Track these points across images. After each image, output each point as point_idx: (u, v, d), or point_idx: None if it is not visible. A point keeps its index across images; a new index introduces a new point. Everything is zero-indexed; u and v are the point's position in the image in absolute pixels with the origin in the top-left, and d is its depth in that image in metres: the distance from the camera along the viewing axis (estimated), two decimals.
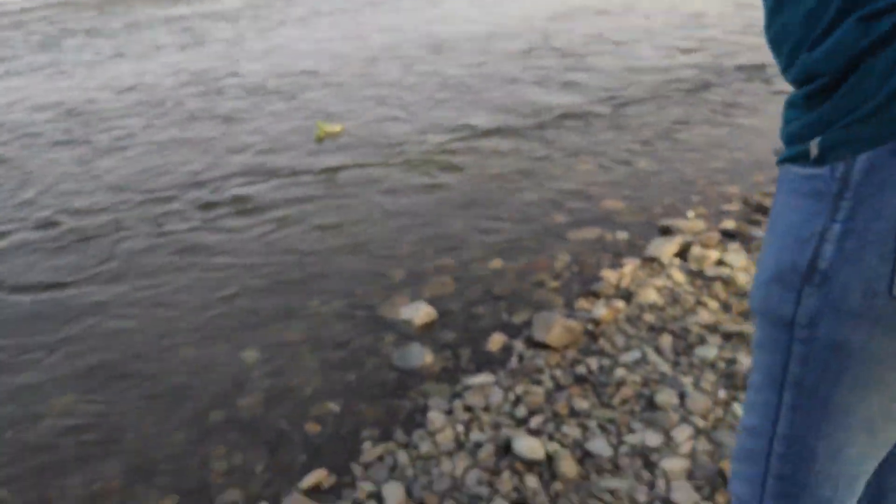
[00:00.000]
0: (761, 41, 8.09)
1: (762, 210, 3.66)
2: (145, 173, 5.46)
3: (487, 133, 5.61)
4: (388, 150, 5.49)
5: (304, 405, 2.73)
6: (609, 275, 3.27)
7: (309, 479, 2.31)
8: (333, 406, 2.70)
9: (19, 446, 2.67)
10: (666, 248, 3.38)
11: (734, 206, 3.89)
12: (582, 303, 3.11)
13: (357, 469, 2.34)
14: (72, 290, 3.79)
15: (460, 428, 2.43)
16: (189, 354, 3.19)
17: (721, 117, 5.61)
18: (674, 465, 2.09)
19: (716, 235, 3.46)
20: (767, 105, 5.81)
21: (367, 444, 2.47)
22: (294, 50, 9.97)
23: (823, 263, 0.83)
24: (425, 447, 2.34)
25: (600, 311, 2.93)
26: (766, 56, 7.32)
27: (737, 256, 3.21)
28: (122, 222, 4.58)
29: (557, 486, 2.08)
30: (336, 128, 5.30)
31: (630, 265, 3.35)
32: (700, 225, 3.64)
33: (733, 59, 7.32)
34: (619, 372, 2.54)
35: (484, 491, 2.09)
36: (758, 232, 3.43)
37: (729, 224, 3.62)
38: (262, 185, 5.00)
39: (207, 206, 4.75)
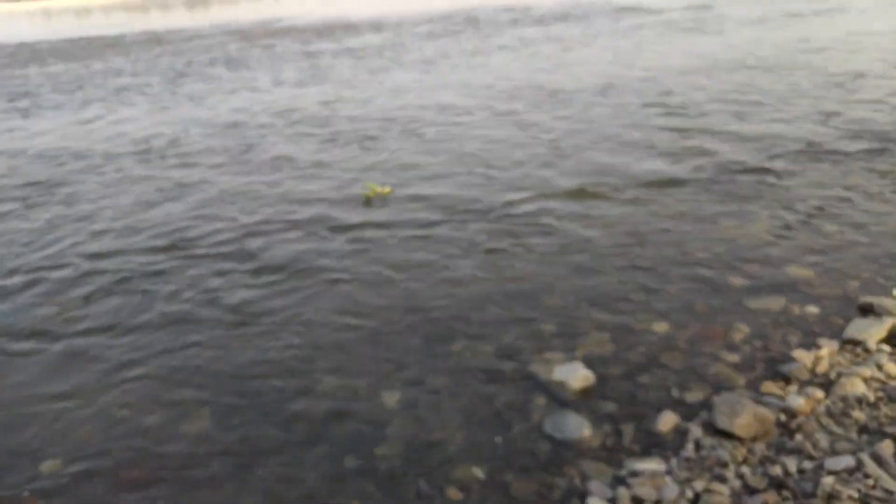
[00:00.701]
0: None
1: None
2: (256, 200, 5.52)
3: (650, 184, 5.23)
4: (535, 191, 5.24)
5: (446, 465, 2.48)
6: (802, 356, 2.80)
7: None
8: (478, 472, 2.43)
9: (153, 465, 2.59)
10: (872, 332, 2.87)
11: None
12: (769, 386, 2.67)
13: None
14: (207, 315, 3.79)
15: None
16: (329, 386, 3.04)
17: None
18: None
19: None
20: None
21: None
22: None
23: None
24: None
25: (797, 400, 2.48)
26: None
27: None
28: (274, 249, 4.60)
29: None
30: (385, 189, 5.31)
31: (827, 347, 2.86)
32: None
33: None
34: (828, 481, 2.09)
35: None
36: None
37: None
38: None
39: (341, 231, 4.69)
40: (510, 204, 5.01)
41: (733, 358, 2.92)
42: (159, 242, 4.74)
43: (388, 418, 2.78)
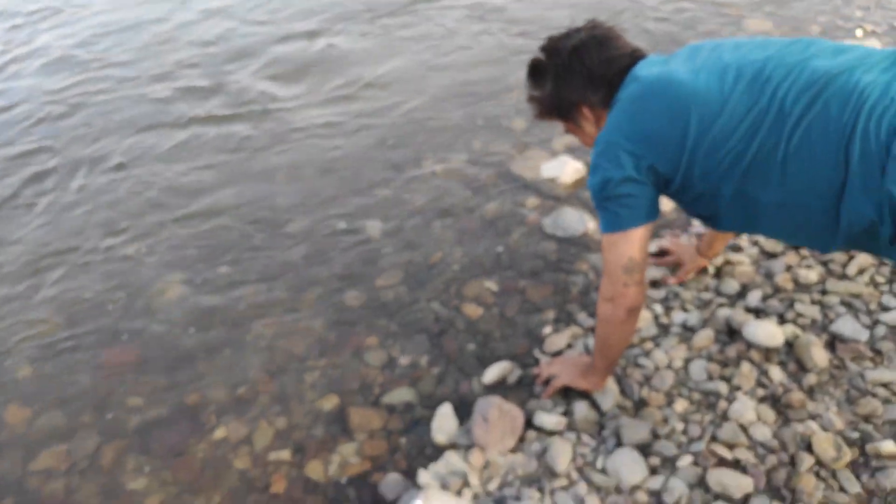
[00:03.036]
0: None
1: None
2: None
3: None
4: None
5: (454, 284, 2.37)
6: None
7: (492, 373, 1.99)
8: (490, 284, 2.34)
9: (148, 342, 2.37)
10: None
11: None
12: None
13: (544, 359, 2.01)
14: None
15: (657, 308, 2.06)
16: (302, 226, 2.80)
17: None
18: None
19: None
20: None
21: (546, 329, 2.12)
22: None
23: None
24: None
25: None
26: None
27: None
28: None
29: (810, 378, 1.73)
30: None
31: None
32: None
33: None
34: None
35: (720, 387, 1.75)
36: None
37: None
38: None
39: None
40: None
41: None
42: None
43: (377, 248, 2.61)
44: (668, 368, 1.85)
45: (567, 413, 1.81)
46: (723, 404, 1.72)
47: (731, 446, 1.62)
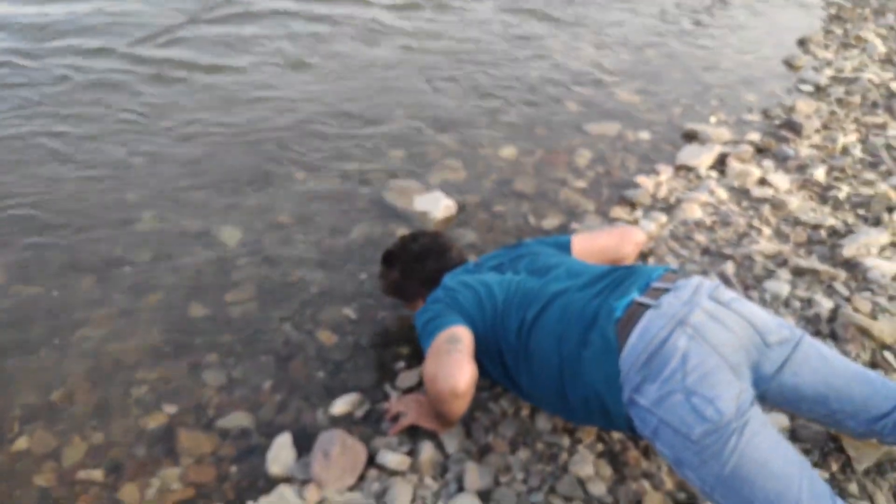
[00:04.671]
0: None
1: (790, 126, 3.40)
2: None
3: None
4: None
5: (310, 307, 2.27)
6: (645, 182, 2.92)
7: (340, 405, 1.91)
8: (348, 311, 2.26)
9: None
10: (702, 158, 3.06)
11: (755, 117, 3.61)
12: (618, 211, 2.77)
13: (395, 395, 1.95)
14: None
15: None
16: (150, 227, 2.58)
17: (733, 18, 5.22)
18: None
19: (749, 149, 3.17)
20: (784, 9, 5.47)
21: (400, 364, 2.07)
22: None
23: None
24: None
25: (648, 225, 2.60)
26: None
27: (780, 177, 2.95)
28: None
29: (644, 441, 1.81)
30: None
31: (664, 172, 3.01)
32: (725, 134, 3.34)
33: None
34: None
35: (563, 440, 1.79)
36: (789, 150, 3.18)
37: (754, 136, 3.34)
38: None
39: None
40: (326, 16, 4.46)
41: (580, 184, 2.96)
42: None
43: (230, 259, 2.45)
44: (514, 416, 1.86)
45: (412, 453, 1.76)
46: (564, 456, 1.75)
47: (568, 499, 1.65)
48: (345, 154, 3.08)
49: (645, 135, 3.36)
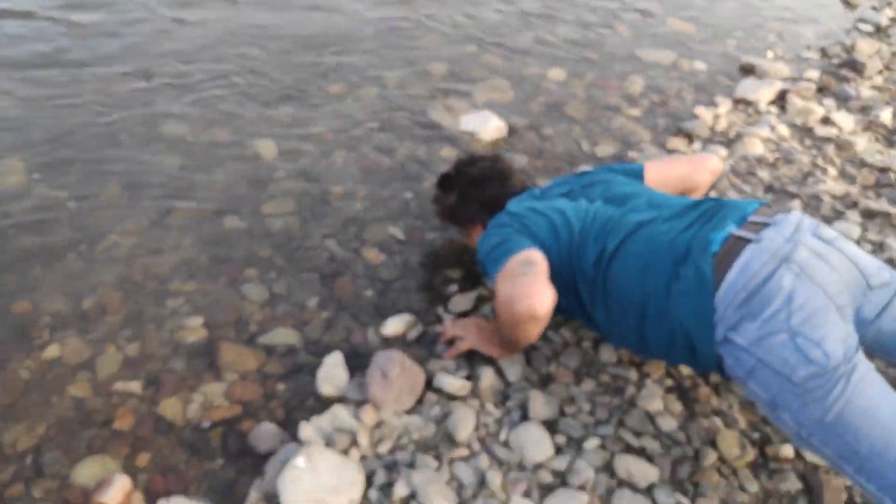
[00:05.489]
0: None
1: (851, 66, 3.21)
2: None
3: None
4: None
5: (355, 225, 2.14)
6: (703, 113, 2.75)
7: (392, 325, 1.80)
8: (395, 231, 2.13)
9: None
10: (762, 93, 2.89)
11: (812, 55, 3.40)
12: (674, 142, 2.61)
13: (448, 318, 1.84)
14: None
15: None
16: (177, 134, 2.42)
17: None
18: None
19: (811, 86, 2.99)
20: None
21: (452, 287, 1.95)
22: None
23: None
24: None
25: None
26: None
27: (843, 117, 2.78)
28: None
29: (715, 375, 1.71)
30: None
31: (723, 105, 2.84)
32: (783, 69, 3.15)
33: None
34: None
35: (630, 373, 1.69)
36: (851, 90, 3.00)
37: (813, 74, 3.16)
38: None
39: None
40: None
41: (634, 112, 2.79)
42: None
43: (267, 171, 2.31)
44: (576, 346, 1.76)
45: (471, 378, 1.66)
46: (631, 390, 1.65)
47: (637, 434, 1.55)
48: (383, 67, 2.89)
49: (700, 65, 3.17)
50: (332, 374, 1.64)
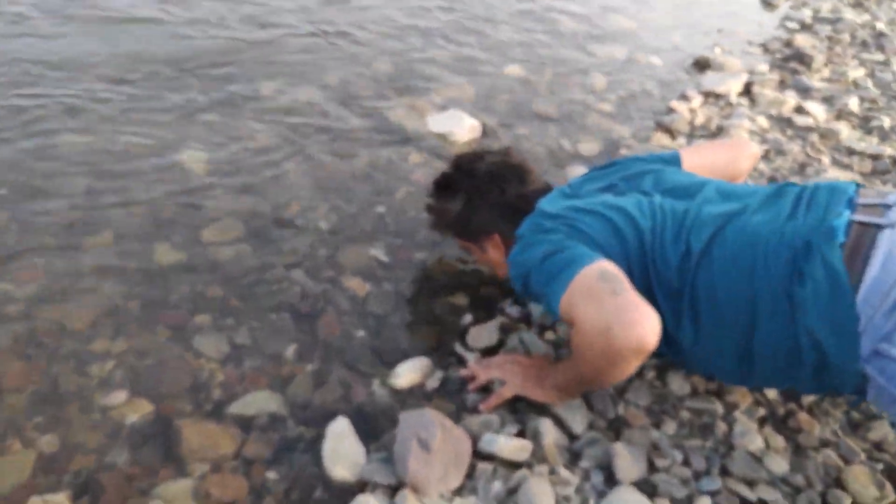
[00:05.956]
0: None
1: (798, 58, 3.13)
2: None
3: None
4: None
5: (324, 248, 1.70)
6: (680, 107, 2.53)
7: (406, 373, 1.38)
8: (376, 253, 1.71)
9: None
10: (730, 85, 2.72)
11: (755, 50, 3.32)
12: (659, 138, 2.36)
13: (472, 358, 1.45)
14: None
15: None
16: (79, 145, 1.89)
17: None
18: None
19: (775, 77, 2.87)
20: None
21: (466, 318, 1.56)
22: None
23: None
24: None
25: None
26: None
27: (815, 107, 2.66)
28: None
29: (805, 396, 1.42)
30: None
31: (695, 99, 2.64)
32: (737, 63, 3.02)
33: None
34: None
35: (714, 405, 1.36)
36: (806, 81, 2.90)
37: (763, 68, 3.05)
38: None
39: None
40: None
41: (606, 107, 2.53)
42: None
43: (200, 187, 1.82)
44: (638, 378, 1.41)
45: (523, 434, 1.27)
46: (721, 427, 1.32)
47: (750, 483, 1.22)
48: (319, 65, 2.46)
49: (656, 59, 2.97)
50: (343, 449, 1.20)
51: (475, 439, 1.23)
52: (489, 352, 1.46)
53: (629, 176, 1.43)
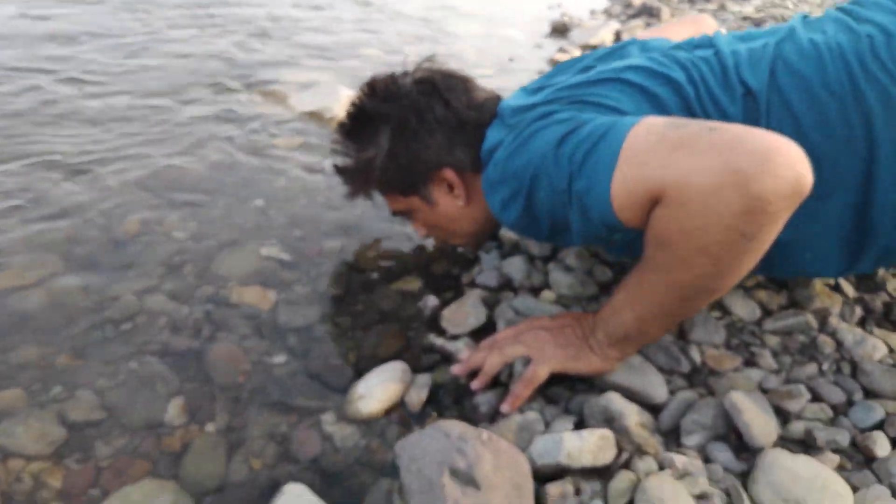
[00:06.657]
0: None
1: (648, 12, 3.04)
2: None
3: None
4: None
5: (188, 262, 1.15)
6: (564, 57, 2.27)
7: (376, 393, 0.87)
8: (270, 251, 1.19)
9: None
10: (602, 35, 2.58)
11: (598, 5, 3.20)
12: None
13: (462, 346, 0.96)
14: None
15: None
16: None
17: None
18: None
19: (640, 23, 2.75)
20: None
21: (430, 301, 1.08)
22: None
23: None
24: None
25: None
26: None
27: None
28: None
29: None
30: None
31: (576, 51, 2.39)
32: (589, 21, 2.86)
33: None
34: None
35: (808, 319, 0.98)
36: None
37: (616, 25, 2.91)
38: None
39: None
40: None
41: (487, 71, 2.20)
42: None
43: None
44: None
45: (582, 425, 0.81)
46: (827, 342, 0.95)
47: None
48: (118, 62, 1.91)
49: (513, 32, 2.72)
50: None
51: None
52: (479, 333, 0.99)
53: (606, 54, 1.04)
